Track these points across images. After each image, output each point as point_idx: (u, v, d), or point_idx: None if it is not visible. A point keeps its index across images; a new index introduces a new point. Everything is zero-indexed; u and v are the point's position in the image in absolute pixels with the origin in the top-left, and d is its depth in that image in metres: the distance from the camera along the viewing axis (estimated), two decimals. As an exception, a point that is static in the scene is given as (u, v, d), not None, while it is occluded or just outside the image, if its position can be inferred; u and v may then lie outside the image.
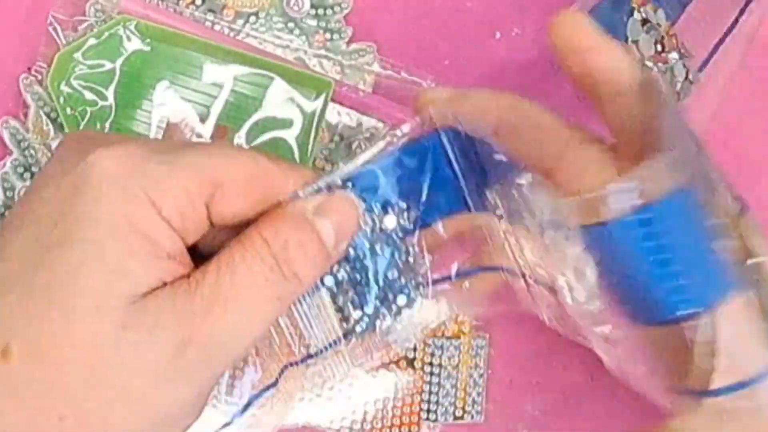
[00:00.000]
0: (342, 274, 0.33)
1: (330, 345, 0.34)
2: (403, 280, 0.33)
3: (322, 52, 0.47)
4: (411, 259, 0.33)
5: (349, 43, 0.48)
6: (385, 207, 0.33)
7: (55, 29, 0.46)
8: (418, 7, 0.49)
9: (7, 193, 0.46)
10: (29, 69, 0.46)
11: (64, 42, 0.46)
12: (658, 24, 0.43)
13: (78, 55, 0.45)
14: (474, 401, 0.48)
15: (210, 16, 0.47)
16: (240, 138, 0.46)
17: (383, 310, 0.33)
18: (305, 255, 0.29)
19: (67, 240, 0.27)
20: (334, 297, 0.33)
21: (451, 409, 0.48)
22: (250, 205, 0.30)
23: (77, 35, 0.46)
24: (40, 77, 0.46)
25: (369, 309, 0.33)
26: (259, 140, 0.47)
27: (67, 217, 0.27)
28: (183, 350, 0.27)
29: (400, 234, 0.33)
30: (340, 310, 0.33)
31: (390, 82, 0.48)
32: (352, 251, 0.32)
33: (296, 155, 0.47)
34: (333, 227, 0.30)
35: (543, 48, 0.49)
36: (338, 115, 0.47)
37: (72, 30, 0.46)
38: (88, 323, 0.26)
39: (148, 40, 0.46)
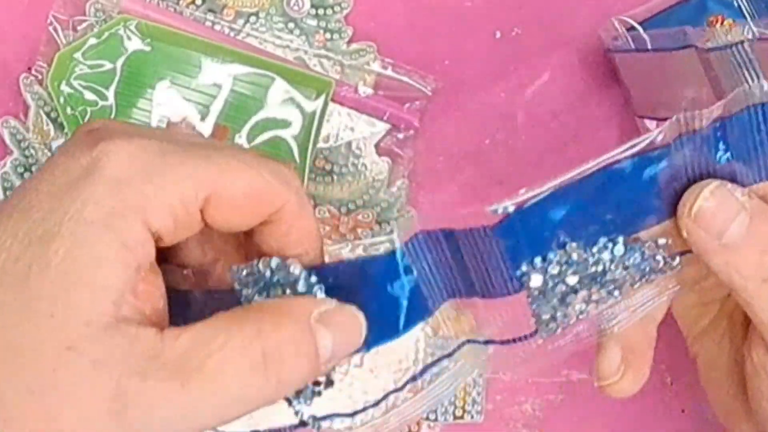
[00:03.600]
0: None
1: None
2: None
3: (322, 52, 0.47)
4: None
5: (349, 43, 0.48)
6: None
7: (55, 29, 0.46)
8: (418, 7, 0.49)
9: (7, 193, 0.46)
10: (29, 69, 0.46)
11: (64, 42, 0.46)
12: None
13: (78, 55, 0.45)
14: (474, 401, 0.48)
15: (210, 16, 0.47)
16: (240, 138, 0.46)
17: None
18: (296, 363, 0.26)
19: (46, 237, 0.26)
20: None
21: (451, 409, 0.48)
22: (243, 219, 0.29)
23: (77, 35, 0.46)
24: (40, 77, 0.46)
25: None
26: (259, 140, 0.47)
27: (55, 213, 0.26)
28: (123, 408, 0.25)
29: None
30: None
31: (390, 82, 0.48)
32: None
33: (296, 155, 0.47)
34: (331, 343, 0.27)
35: (543, 48, 0.50)
36: (338, 115, 0.47)
37: (72, 30, 0.46)
38: (38, 331, 0.25)
39: (149, 39, 0.46)
